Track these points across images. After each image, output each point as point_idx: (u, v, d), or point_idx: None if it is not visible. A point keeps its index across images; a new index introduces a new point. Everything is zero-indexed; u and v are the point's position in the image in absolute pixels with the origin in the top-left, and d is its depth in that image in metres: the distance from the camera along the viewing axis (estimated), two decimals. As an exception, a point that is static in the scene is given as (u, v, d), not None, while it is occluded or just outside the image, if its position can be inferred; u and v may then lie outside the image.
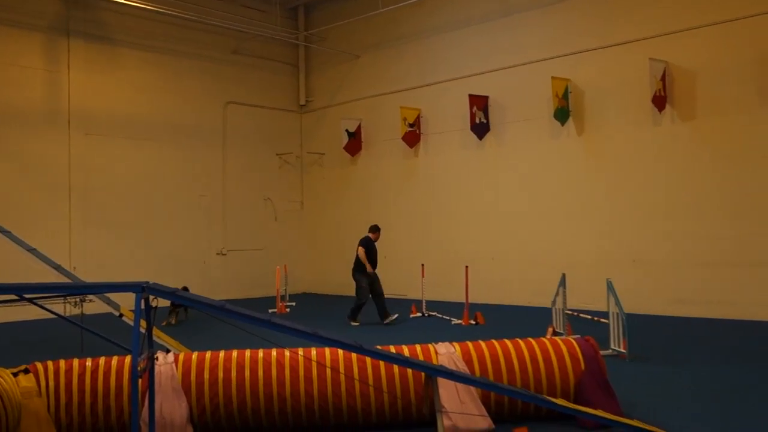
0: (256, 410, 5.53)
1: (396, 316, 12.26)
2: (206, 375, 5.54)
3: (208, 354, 5.73)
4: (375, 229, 12.69)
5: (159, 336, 7.25)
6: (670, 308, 12.50)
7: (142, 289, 4.48)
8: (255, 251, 18.31)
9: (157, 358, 5.38)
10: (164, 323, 11.65)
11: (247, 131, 18.43)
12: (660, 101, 12.81)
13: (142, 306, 4.52)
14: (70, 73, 15.18)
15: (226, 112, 18.06)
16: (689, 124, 12.79)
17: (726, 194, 12.25)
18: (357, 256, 12.37)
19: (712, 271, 12.32)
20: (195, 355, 5.73)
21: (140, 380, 4.48)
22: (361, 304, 12.28)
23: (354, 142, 18.22)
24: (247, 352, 5.75)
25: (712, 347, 9.37)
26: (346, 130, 18.18)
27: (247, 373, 5.58)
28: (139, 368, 4.35)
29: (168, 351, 6.12)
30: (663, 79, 12.79)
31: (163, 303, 4.76)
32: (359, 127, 18.21)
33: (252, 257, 18.18)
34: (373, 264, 12.31)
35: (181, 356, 5.72)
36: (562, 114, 14.08)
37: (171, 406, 5.32)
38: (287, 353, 5.70)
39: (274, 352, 5.72)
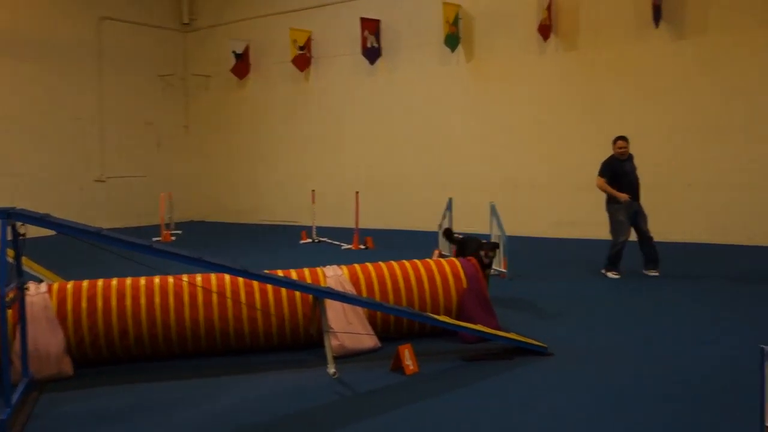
0: (139, 338, 5.39)
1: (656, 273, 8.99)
2: (84, 304, 5.32)
3: (85, 283, 5.49)
4: (616, 140, 9.20)
5: (29, 266, 6.84)
6: (550, 230, 13.12)
7: (7, 215, 4.18)
8: (137, 178, 17.52)
9: (27, 289, 5.09)
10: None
11: (125, 50, 17.24)
12: (545, 30, 13.07)
13: (9, 235, 4.25)
14: None
15: (101, 28, 16.81)
16: (572, 53, 13.16)
17: (604, 121, 12.76)
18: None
19: (589, 195, 12.94)
20: (71, 285, 5.47)
21: (10, 312, 4.25)
22: (618, 245, 8.89)
23: (242, 65, 17.56)
24: (128, 280, 5.56)
25: (587, 266, 9.94)
26: (234, 52, 17.46)
27: (128, 301, 5.40)
28: (7, 299, 4.11)
29: (40, 281, 5.81)
30: (549, 8, 13.02)
31: (43, 232, 4.44)
32: (247, 49, 17.53)
33: (134, 184, 17.40)
34: (627, 189, 8.92)
35: (55, 286, 5.45)
36: (452, 40, 14.11)
37: (46, 337, 5.09)
38: (171, 279, 5.55)
39: (156, 279, 5.56)
